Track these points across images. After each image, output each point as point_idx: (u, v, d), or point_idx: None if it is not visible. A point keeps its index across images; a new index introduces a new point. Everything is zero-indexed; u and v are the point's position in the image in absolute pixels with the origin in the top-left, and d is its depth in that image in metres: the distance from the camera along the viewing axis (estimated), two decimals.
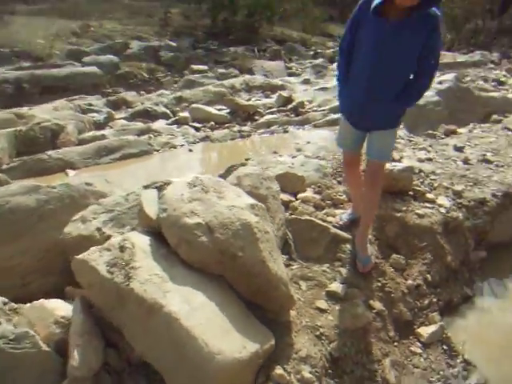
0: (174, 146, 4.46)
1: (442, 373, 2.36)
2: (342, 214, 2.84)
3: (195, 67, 8.80)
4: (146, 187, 2.51)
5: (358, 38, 2.21)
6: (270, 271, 1.90)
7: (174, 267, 1.87)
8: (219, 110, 5.70)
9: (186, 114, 5.45)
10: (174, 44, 10.37)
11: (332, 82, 7.46)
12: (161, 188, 2.35)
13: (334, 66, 10.41)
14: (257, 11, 13.49)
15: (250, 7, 13.30)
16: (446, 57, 10.57)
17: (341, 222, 2.77)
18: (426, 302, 2.69)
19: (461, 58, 9.68)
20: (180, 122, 5.21)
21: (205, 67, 8.87)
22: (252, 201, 2.14)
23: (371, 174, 2.48)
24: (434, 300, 2.74)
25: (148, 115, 5.56)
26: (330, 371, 2.06)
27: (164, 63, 9.32)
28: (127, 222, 2.31)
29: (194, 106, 5.59)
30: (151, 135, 4.68)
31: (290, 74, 9.14)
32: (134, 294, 1.71)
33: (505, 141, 4.56)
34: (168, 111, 5.68)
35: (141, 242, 1.96)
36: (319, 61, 10.73)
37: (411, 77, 2.25)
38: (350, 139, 2.53)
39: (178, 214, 1.94)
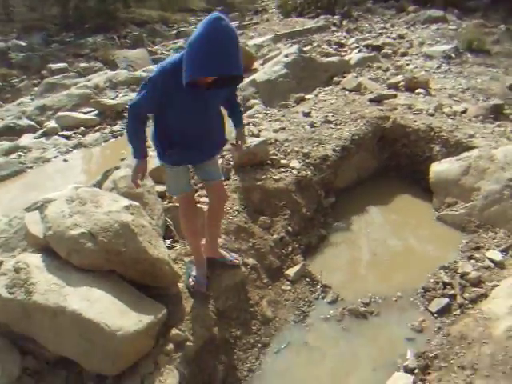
0: (48, 160, 4.51)
1: (306, 299, 3.07)
2: (195, 277, 2.65)
3: (54, 66, 8.44)
4: (27, 209, 2.72)
5: (168, 102, 2.16)
6: (151, 256, 2.33)
7: (69, 274, 2.20)
8: (87, 113, 5.73)
9: (53, 123, 5.40)
10: (23, 43, 9.69)
11: None
12: (42, 208, 2.60)
13: None
14: None
15: None
16: (298, 23, 11.54)
17: (202, 289, 2.62)
18: (290, 248, 3.37)
19: (308, 24, 10.62)
20: (48, 134, 5.17)
21: (64, 65, 8.55)
22: (127, 202, 2.51)
23: (220, 192, 2.65)
24: (296, 246, 3.43)
25: (12, 131, 5.38)
26: (218, 321, 2.61)
27: (17, 65, 8.75)
28: (16, 245, 2.53)
29: (60, 114, 5.53)
30: (20, 153, 4.64)
31: (155, 60, 9.23)
32: (37, 305, 2.03)
33: (342, 101, 5.41)
34: (33, 123, 5.54)
35: (33, 260, 2.24)
36: (182, 41, 10.92)
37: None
38: (184, 182, 2.50)
39: (62, 229, 2.25)
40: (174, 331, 2.32)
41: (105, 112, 5.69)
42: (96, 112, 5.72)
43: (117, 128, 5.20)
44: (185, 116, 2.24)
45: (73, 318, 2.00)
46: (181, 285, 2.62)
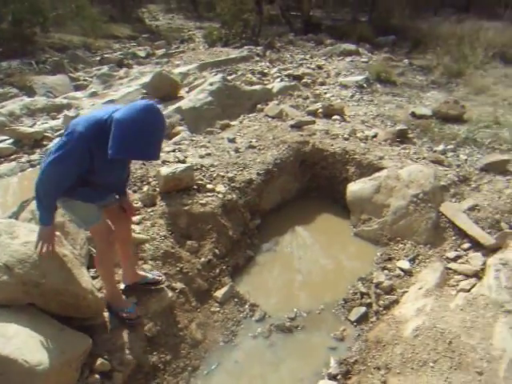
0: None
1: (235, 319, 3.14)
2: (125, 309, 2.64)
3: None
4: None
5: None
6: (74, 287, 2.28)
7: None
8: (1, 141, 5.40)
9: None
10: None
11: (121, 92, 7.71)
12: None
13: (122, 72, 10.61)
14: (25, 18, 12.42)
15: (15, 14, 12.14)
16: (223, 53, 11.91)
17: (132, 315, 2.63)
18: (218, 270, 3.45)
19: (233, 54, 11.01)
20: None
21: None
22: None
23: (121, 214, 2.67)
24: (224, 267, 3.51)
25: None
26: (147, 348, 2.59)
27: None
28: None
29: None
30: None
31: (77, 87, 8.98)
32: None
33: (265, 127, 5.68)
34: None
35: None
36: (106, 68, 10.74)
37: None
38: (97, 211, 2.46)
39: None
40: (100, 361, 2.27)
41: (21, 140, 5.41)
42: (11, 140, 5.43)
43: (35, 157, 4.97)
44: (100, 172, 2.29)
45: None
46: (106, 314, 2.57)
